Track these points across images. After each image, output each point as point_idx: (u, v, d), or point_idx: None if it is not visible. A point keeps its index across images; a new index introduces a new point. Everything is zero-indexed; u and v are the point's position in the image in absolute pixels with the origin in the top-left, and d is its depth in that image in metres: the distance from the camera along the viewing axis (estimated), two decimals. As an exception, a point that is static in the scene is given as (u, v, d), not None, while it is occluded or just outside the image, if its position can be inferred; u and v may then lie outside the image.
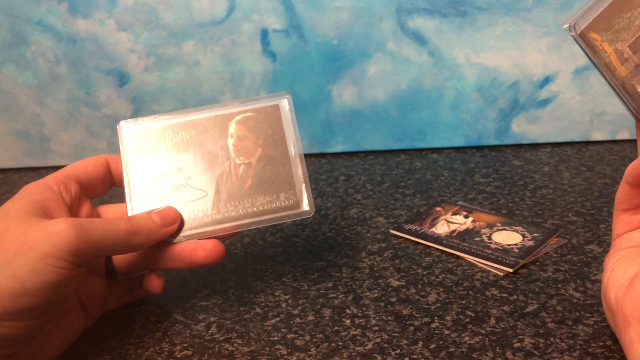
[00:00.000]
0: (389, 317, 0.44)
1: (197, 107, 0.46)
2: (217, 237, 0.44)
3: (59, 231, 0.36)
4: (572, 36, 0.37)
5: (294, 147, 0.45)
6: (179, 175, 0.45)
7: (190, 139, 0.45)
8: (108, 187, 0.46)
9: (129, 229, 0.40)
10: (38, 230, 0.36)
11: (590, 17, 0.36)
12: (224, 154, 0.45)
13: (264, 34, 0.69)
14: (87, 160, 0.45)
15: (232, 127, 0.46)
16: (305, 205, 0.45)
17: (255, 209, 0.45)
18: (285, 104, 0.46)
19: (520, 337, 0.41)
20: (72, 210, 0.42)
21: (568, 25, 0.37)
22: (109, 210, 0.46)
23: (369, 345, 0.41)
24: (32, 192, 0.40)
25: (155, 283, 0.44)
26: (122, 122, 0.46)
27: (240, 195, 0.45)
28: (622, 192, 0.39)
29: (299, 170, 0.45)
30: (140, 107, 0.71)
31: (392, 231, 0.55)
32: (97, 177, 0.45)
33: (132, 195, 0.44)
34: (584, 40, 0.36)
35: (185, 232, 0.44)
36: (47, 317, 0.37)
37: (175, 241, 0.43)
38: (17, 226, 0.37)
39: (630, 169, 0.37)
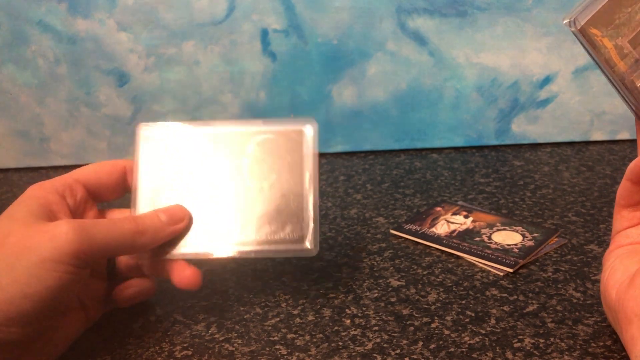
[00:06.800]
0: (389, 317, 0.44)
1: (219, 120, 0.45)
2: (213, 259, 0.43)
3: (60, 233, 0.36)
4: (572, 32, 0.37)
5: (310, 179, 0.43)
6: (188, 188, 0.44)
7: (206, 152, 0.44)
8: (120, 194, 0.45)
9: (133, 228, 0.40)
10: (39, 233, 0.36)
11: (591, 13, 0.36)
12: (237, 173, 0.44)
13: (264, 34, 0.69)
14: (101, 166, 0.44)
15: (251, 147, 0.44)
16: (309, 244, 0.42)
17: (257, 237, 0.43)
18: (309, 130, 0.44)
19: (520, 337, 0.41)
20: (76, 215, 0.41)
21: (568, 20, 0.36)
22: (116, 215, 0.45)
23: (369, 345, 0.41)
24: (36, 194, 0.40)
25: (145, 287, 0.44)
26: (141, 124, 0.44)
27: (246, 221, 0.43)
28: (624, 188, 0.39)
29: (310, 205, 0.43)
30: (140, 107, 0.71)
31: (392, 231, 0.55)
32: (109, 185, 0.44)
33: (139, 200, 0.43)
34: (584, 35, 0.36)
35: (182, 249, 0.42)
36: (49, 322, 0.37)
37: (168, 257, 0.42)
38: (20, 229, 0.36)
39: (633, 166, 0.38)
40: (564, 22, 0.37)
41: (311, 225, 0.43)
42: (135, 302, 0.44)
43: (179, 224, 0.42)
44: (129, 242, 0.40)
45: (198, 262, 0.43)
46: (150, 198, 0.43)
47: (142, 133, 0.44)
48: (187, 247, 0.43)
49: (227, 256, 0.43)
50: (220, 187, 0.44)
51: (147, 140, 0.44)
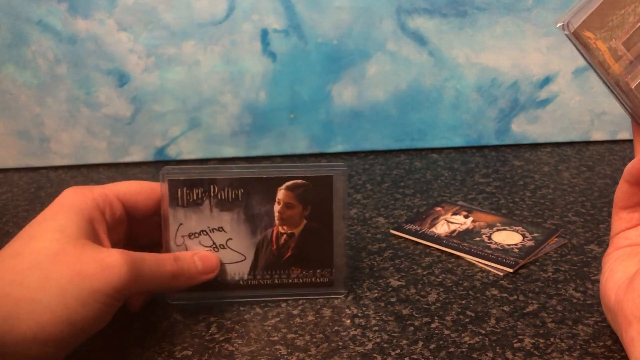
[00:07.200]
0: (389, 317, 0.44)
1: (247, 164, 0.45)
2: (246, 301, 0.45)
3: (114, 267, 0.37)
4: (565, 35, 0.37)
5: (339, 224, 0.44)
6: (220, 235, 0.44)
7: (236, 198, 0.44)
8: (152, 214, 0.45)
9: (174, 271, 0.41)
10: (93, 262, 0.36)
11: (584, 16, 0.36)
12: (268, 219, 0.44)
13: (264, 34, 0.69)
14: (142, 187, 0.44)
15: (281, 193, 0.44)
16: (339, 287, 0.45)
17: (290, 281, 0.45)
18: (338, 177, 0.44)
19: (520, 337, 0.41)
20: (110, 231, 0.42)
21: (561, 24, 0.36)
22: (145, 229, 0.46)
23: (369, 345, 0.41)
24: (81, 207, 0.40)
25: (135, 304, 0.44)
26: (166, 168, 0.43)
27: (278, 265, 0.44)
28: (621, 190, 0.39)
29: (340, 250, 0.45)
30: (140, 107, 0.71)
31: (392, 231, 0.55)
32: (145, 208, 0.44)
33: (171, 250, 0.44)
34: (577, 38, 0.36)
35: (219, 294, 0.45)
36: (75, 345, 0.38)
37: (210, 301, 0.45)
38: (73, 250, 0.37)
39: (629, 167, 0.38)
40: (557, 25, 0.37)
41: (341, 268, 0.45)
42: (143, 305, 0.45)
43: (210, 274, 0.44)
44: (166, 283, 0.41)
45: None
46: (183, 247, 0.44)
47: (168, 178, 0.43)
48: (225, 292, 0.45)
49: (260, 299, 0.45)
50: (252, 232, 0.45)
51: (174, 186, 0.43)
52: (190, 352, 0.41)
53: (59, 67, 0.70)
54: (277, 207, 0.44)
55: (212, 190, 0.44)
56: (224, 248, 0.44)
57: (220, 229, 0.44)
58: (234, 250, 0.44)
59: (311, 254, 0.45)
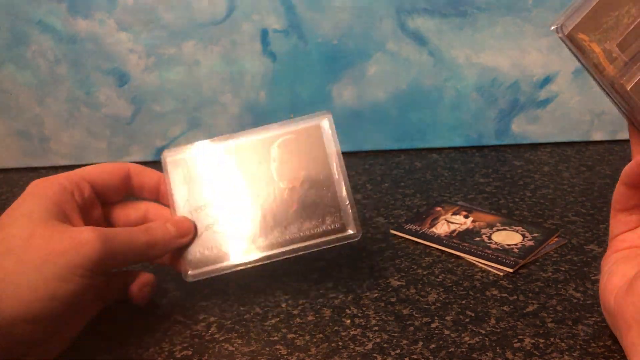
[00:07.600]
0: (389, 317, 0.44)
1: (237, 132, 0.46)
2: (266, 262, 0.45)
3: (87, 241, 0.37)
4: (559, 38, 0.37)
5: (337, 168, 0.45)
6: (225, 203, 0.45)
7: (233, 165, 0.45)
8: (124, 196, 0.46)
9: (147, 241, 0.41)
10: (66, 239, 0.37)
11: (578, 18, 0.36)
12: (267, 178, 0.45)
13: (264, 34, 0.69)
14: (105, 166, 0.45)
15: (274, 151, 0.45)
16: (352, 229, 0.44)
17: (301, 234, 0.44)
18: (326, 123, 0.45)
19: (520, 337, 0.41)
20: (83, 213, 0.42)
21: (555, 26, 0.36)
22: (121, 214, 0.46)
23: (369, 345, 0.41)
24: (47, 192, 0.40)
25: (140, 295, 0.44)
26: (165, 152, 0.46)
27: (287, 221, 0.44)
28: (619, 192, 0.39)
29: (343, 192, 0.44)
30: (140, 107, 0.71)
31: (392, 231, 0.55)
32: (113, 186, 0.45)
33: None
34: (572, 41, 0.36)
35: (235, 261, 0.44)
36: (65, 324, 0.38)
37: (227, 271, 0.44)
38: (43, 231, 0.37)
39: (627, 169, 0.37)
40: (552, 28, 0.36)
41: (349, 211, 0.44)
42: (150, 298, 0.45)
43: (186, 237, 0.44)
44: (143, 253, 0.41)
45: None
46: (190, 216, 0.45)
47: (167, 160, 0.46)
48: (240, 256, 0.44)
49: (278, 258, 0.44)
50: (255, 195, 0.45)
51: (174, 166, 0.45)
52: (190, 352, 0.41)
53: (59, 67, 0.70)
54: (274, 165, 0.45)
55: (208, 162, 0.45)
56: (231, 215, 0.45)
57: (224, 197, 0.45)
58: (241, 215, 0.45)
59: (316, 202, 0.44)
